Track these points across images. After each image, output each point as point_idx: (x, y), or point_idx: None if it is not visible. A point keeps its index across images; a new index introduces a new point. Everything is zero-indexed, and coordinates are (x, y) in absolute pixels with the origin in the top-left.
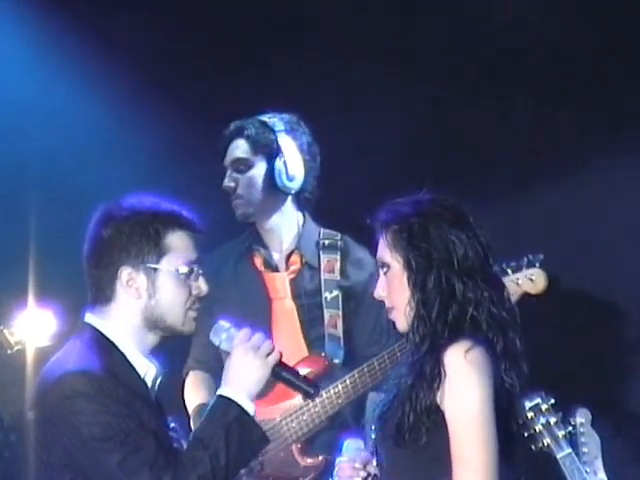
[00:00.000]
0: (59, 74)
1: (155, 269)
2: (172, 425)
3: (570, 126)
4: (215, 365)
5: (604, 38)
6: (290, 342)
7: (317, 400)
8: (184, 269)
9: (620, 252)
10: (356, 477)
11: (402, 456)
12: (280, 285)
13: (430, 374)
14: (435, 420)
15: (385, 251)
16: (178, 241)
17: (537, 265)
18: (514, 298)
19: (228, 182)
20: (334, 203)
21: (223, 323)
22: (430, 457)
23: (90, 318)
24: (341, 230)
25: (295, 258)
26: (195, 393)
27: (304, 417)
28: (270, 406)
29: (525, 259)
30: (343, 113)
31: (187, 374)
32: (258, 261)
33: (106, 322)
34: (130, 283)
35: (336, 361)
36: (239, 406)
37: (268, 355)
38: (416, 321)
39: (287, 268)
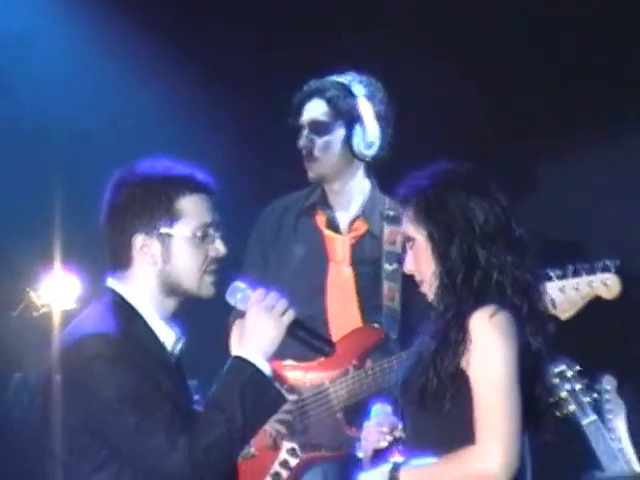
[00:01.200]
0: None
1: (169, 235)
2: (194, 389)
3: None
4: None
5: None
6: (344, 308)
7: (370, 372)
8: (198, 233)
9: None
10: (382, 441)
11: (425, 420)
12: (340, 248)
13: (455, 340)
14: (459, 385)
15: (408, 226)
16: (190, 205)
17: (612, 270)
18: (586, 299)
19: (305, 142)
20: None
21: (239, 284)
22: (453, 421)
23: (111, 282)
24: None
25: (359, 224)
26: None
27: (354, 386)
28: (322, 372)
29: (601, 263)
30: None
31: (234, 321)
32: (321, 220)
33: (126, 287)
34: (145, 250)
35: (392, 335)
36: (254, 366)
37: (283, 314)
38: (441, 290)
39: (349, 232)
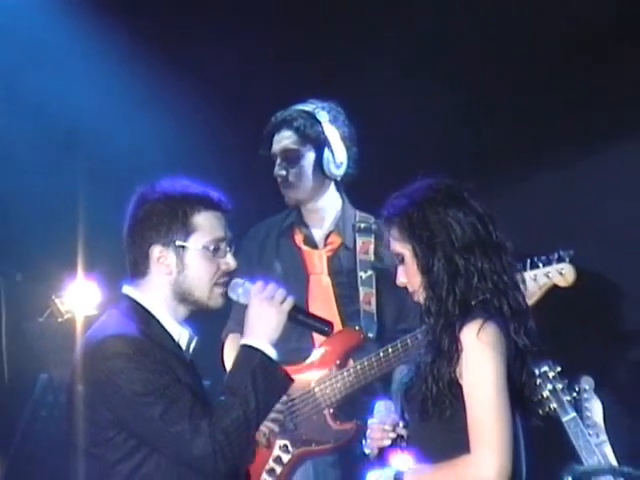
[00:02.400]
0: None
1: (183, 247)
2: (206, 384)
3: None
4: None
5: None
6: (325, 315)
7: (352, 370)
8: (211, 247)
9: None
10: (386, 439)
11: (428, 429)
12: (318, 261)
13: (448, 351)
14: (456, 393)
15: (395, 243)
16: (204, 221)
17: (567, 260)
18: (544, 289)
19: (279, 171)
20: (366, 185)
21: (238, 280)
22: (454, 428)
23: (127, 289)
24: (374, 213)
25: (334, 238)
26: (234, 355)
27: (338, 385)
28: (308, 373)
29: (556, 254)
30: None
31: (226, 336)
32: (298, 238)
33: (141, 293)
34: (161, 260)
35: (370, 335)
36: (261, 352)
37: (282, 302)
38: (428, 302)
39: (325, 246)
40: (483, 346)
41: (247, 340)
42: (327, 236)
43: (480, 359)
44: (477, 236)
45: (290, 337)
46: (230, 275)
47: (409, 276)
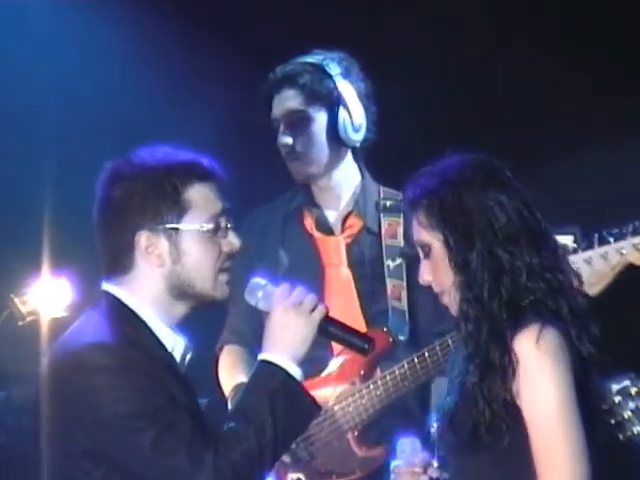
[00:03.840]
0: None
1: (177, 230)
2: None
3: None
4: (254, 340)
5: None
6: (345, 315)
7: (379, 382)
8: (209, 225)
9: None
10: None
11: (479, 464)
12: (334, 250)
13: (500, 364)
14: (514, 415)
15: (421, 231)
16: (199, 195)
17: None
18: (617, 269)
19: (283, 139)
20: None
21: (258, 280)
22: (513, 461)
23: (108, 287)
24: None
25: (353, 220)
26: (231, 371)
27: (363, 401)
28: (325, 389)
29: (630, 226)
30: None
31: (221, 349)
32: (309, 223)
33: (127, 292)
34: (150, 249)
35: (401, 338)
36: (283, 370)
37: (312, 310)
38: (464, 305)
39: (343, 231)
40: (544, 357)
41: (267, 355)
42: (345, 218)
43: (542, 372)
44: (524, 225)
45: None
46: (233, 258)
47: (437, 273)
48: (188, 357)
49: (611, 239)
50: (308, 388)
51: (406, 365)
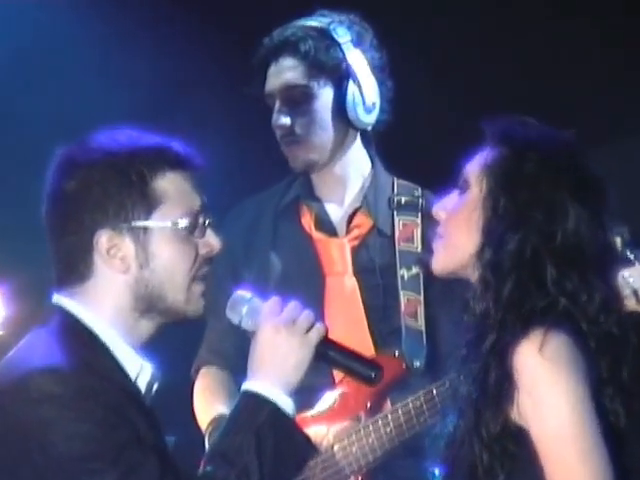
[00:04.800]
0: None
1: (145, 228)
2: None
3: None
4: (238, 359)
5: None
6: (349, 335)
7: (390, 417)
8: (184, 222)
9: None
10: None
11: None
12: (338, 254)
13: (496, 386)
14: (520, 442)
15: (475, 167)
16: (171, 186)
17: None
18: None
19: (280, 119)
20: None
21: (242, 293)
22: None
23: (60, 300)
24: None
25: (361, 219)
26: (210, 399)
27: (369, 440)
28: (324, 425)
29: None
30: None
31: (198, 371)
32: (307, 220)
33: (82, 305)
34: (112, 252)
35: (417, 364)
36: (272, 403)
37: (308, 330)
38: (481, 287)
39: (348, 232)
40: (550, 364)
41: (253, 384)
42: (351, 216)
43: (550, 385)
44: (591, 251)
45: None
46: (210, 263)
47: (456, 217)
48: (155, 386)
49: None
50: (302, 424)
51: (422, 397)
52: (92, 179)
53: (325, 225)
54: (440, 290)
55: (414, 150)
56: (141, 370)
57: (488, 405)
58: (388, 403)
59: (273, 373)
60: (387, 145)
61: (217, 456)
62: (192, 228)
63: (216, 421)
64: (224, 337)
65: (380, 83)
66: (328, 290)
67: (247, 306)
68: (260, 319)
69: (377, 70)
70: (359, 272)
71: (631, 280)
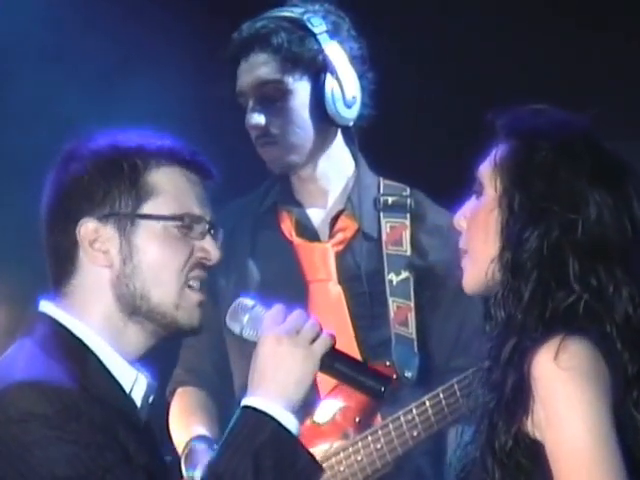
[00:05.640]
0: None
1: (132, 220)
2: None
3: None
4: (217, 378)
5: None
6: (336, 346)
7: (380, 433)
8: (177, 219)
9: None
10: None
11: None
12: (321, 261)
13: (512, 394)
14: (534, 456)
15: (486, 167)
16: (166, 180)
17: None
18: None
19: (254, 118)
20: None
21: (244, 301)
22: None
23: (47, 306)
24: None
25: (345, 222)
26: (187, 420)
27: (358, 458)
28: (308, 444)
29: None
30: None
31: (174, 392)
32: (287, 226)
33: (68, 311)
34: (96, 245)
35: (407, 374)
36: (274, 420)
37: (314, 341)
38: (502, 292)
39: (332, 236)
40: (566, 375)
41: (252, 400)
42: (334, 220)
43: (566, 397)
44: (618, 242)
45: None
46: (206, 269)
47: (474, 224)
48: (150, 400)
49: None
50: None
51: (414, 410)
52: (84, 169)
53: (306, 230)
54: (432, 297)
55: (401, 148)
56: (135, 381)
57: (502, 415)
58: (379, 417)
59: (275, 388)
60: (372, 142)
61: (212, 477)
62: (187, 228)
63: (192, 444)
64: (202, 355)
65: (360, 75)
66: (311, 298)
67: (249, 314)
68: (261, 328)
69: (356, 61)
70: (344, 279)
71: None
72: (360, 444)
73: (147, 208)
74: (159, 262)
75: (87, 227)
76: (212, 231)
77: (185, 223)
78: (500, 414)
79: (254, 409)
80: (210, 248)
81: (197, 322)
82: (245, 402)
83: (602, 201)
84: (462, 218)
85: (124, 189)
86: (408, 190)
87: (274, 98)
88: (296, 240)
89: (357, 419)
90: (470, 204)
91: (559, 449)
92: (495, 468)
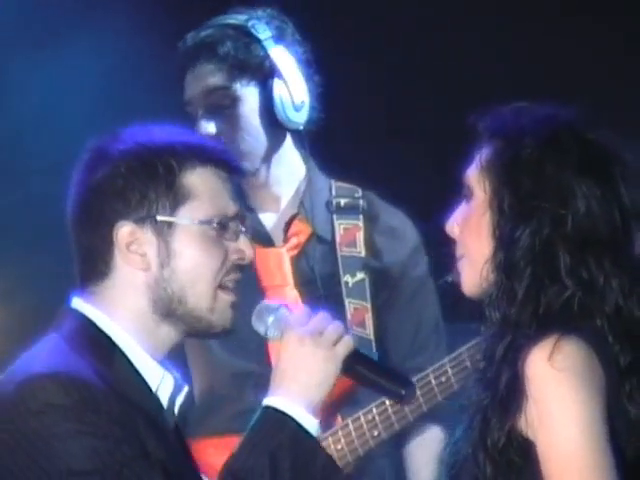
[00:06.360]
0: None
1: (170, 223)
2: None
3: None
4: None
5: None
6: None
7: (340, 433)
8: (214, 222)
9: None
10: None
11: None
12: (276, 266)
13: (506, 392)
14: (525, 454)
15: (474, 171)
16: (201, 181)
17: None
18: None
19: (204, 127)
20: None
21: (269, 303)
22: None
23: (78, 303)
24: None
25: (298, 226)
26: None
27: None
28: None
29: None
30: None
31: None
32: None
33: (100, 309)
34: (133, 247)
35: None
36: (294, 421)
37: (336, 343)
38: (496, 292)
39: (286, 241)
40: (559, 376)
41: (273, 399)
42: (288, 224)
43: (559, 399)
44: (607, 234)
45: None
46: (242, 272)
47: (466, 228)
48: (180, 400)
49: None
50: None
51: (375, 410)
52: (117, 170)
53: (260, 235)
54: (389, 298)
55: (354, 148)
56: (162, 381)
57: (495, 411)
58: (339, 418)
59: (296, 388)
60: (323, 145)
61: (229, 476)
62: (222, 229)
63: None
64: None
65: (307, 79)
66: None
67: (273, 316)
68: (285, 329)
69: (303, 65)
70: (300, 283)
71: None
72: (330, 440)
73: (184, 211)
74: (197, 267)
75: (124, 230)
76: (244, 227)
77: (221, 225)
78: (494, 411)
79: (274, 409)
80: (245, 248)
81: (229, 323)
82: (266, 402)
83: (590, 193)
84: (454, 225)
85: (161, 192)
86: (360, 192)
87: (223, 106)
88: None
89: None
90: (461, 210)
91: (551, 450)
92: (487, 465)
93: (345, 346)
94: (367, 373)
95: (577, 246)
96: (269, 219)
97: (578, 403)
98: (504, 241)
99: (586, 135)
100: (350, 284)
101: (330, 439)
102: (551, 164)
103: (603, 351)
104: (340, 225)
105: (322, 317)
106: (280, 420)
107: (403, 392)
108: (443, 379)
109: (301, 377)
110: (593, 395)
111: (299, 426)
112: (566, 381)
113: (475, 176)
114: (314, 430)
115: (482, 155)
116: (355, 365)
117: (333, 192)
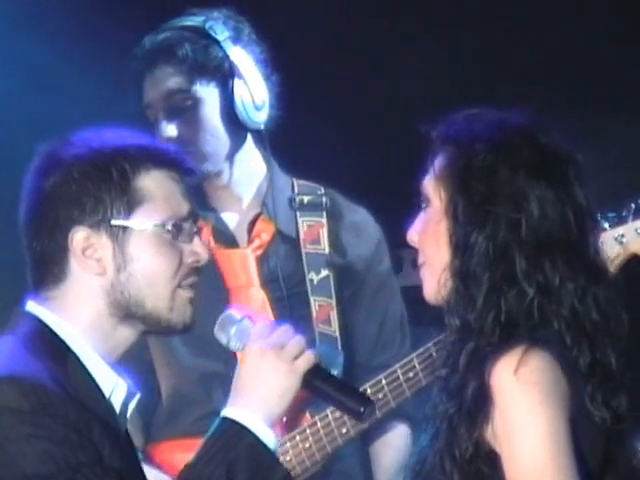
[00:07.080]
0: None
1: (124, 228)
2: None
3: None
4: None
5: None
6: None
7: (308, 431)
8: (168, 225)
9: None
10: None
11: None
12: (241, 267)
13: (472, 401)
14: (493, 463)
15: (429, 180)
16: (155, 184)
17: None
18: (617, 262)
19: (165, 131)
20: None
21: (232, 313)
22: None
23: (32, 306)
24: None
25: (262, 226)
26: None
27: (287, 458)
28: None
29: (632, 206)
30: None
31: None
32: (204, 233)
33: (55, 312)
34: (88, 252)
35: (334, 372)
36: (251, 433)
37: (297, 357)
38: (454, 299)
39: (251, 241)
40: (525, 389)
41: (232, 411)
42: (252, 224)
43: (522, 413)
44: (563, 235)
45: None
46: (198, 273)
47: (425, 236)
48: (131, 406)
49: (607, 225)
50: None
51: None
52: (71, 175)
53: (224, 236)
54: (353, 294)
55: (313, 146)
56: (115, 387)
57: (463, 421)
58: (307, 416)
59: (255, 400)
60: (286, 142)
61: None
62: (177, 232)
63: None
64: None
65: (266, 78)
66: (234, 304)
67: (236, 327)
68: (247, 341)
69: (261, 65)
70: (266, 283)
71: (624, 240)
72: (288, 444)
73: (139, 215)
74: (153, 269)
75: (79, 235)
76: (197, 227)
77: (176, 227)
78: (461, 420)
79: (232, 421)
80: (200, 250)
81: (189, 319)
82: (225, 412)
83: (543, 196)
84: (414, 233)
85: (115, 196)
86: (322, 189)
87: (184, 108)
88: (214, 246)
89: (284, 419)
90: (419, 218)
91: (513, 463)
92: (454, 474)
93: (306, 361)
94: (327, 389)
95: (532, 250)
96: (232, 219)
97: (542, 417)
98: (460, 248)
99: (538, 138)
100: (315, 281)
101: (298, 437)
102: (503, 169)
103: (565, 359)
104: (304, 222)
105: (284, 330)
106: (238, 432)
107: (362, 409)
108: (411, 374)
109: (261, 390)
110: (557, 409)
111: (257, 439)
112: (531, 395)
113: (431, 184)
114: (272, 444)
115: (436, 163)
116: (315, 380)
117: (295, 190)
